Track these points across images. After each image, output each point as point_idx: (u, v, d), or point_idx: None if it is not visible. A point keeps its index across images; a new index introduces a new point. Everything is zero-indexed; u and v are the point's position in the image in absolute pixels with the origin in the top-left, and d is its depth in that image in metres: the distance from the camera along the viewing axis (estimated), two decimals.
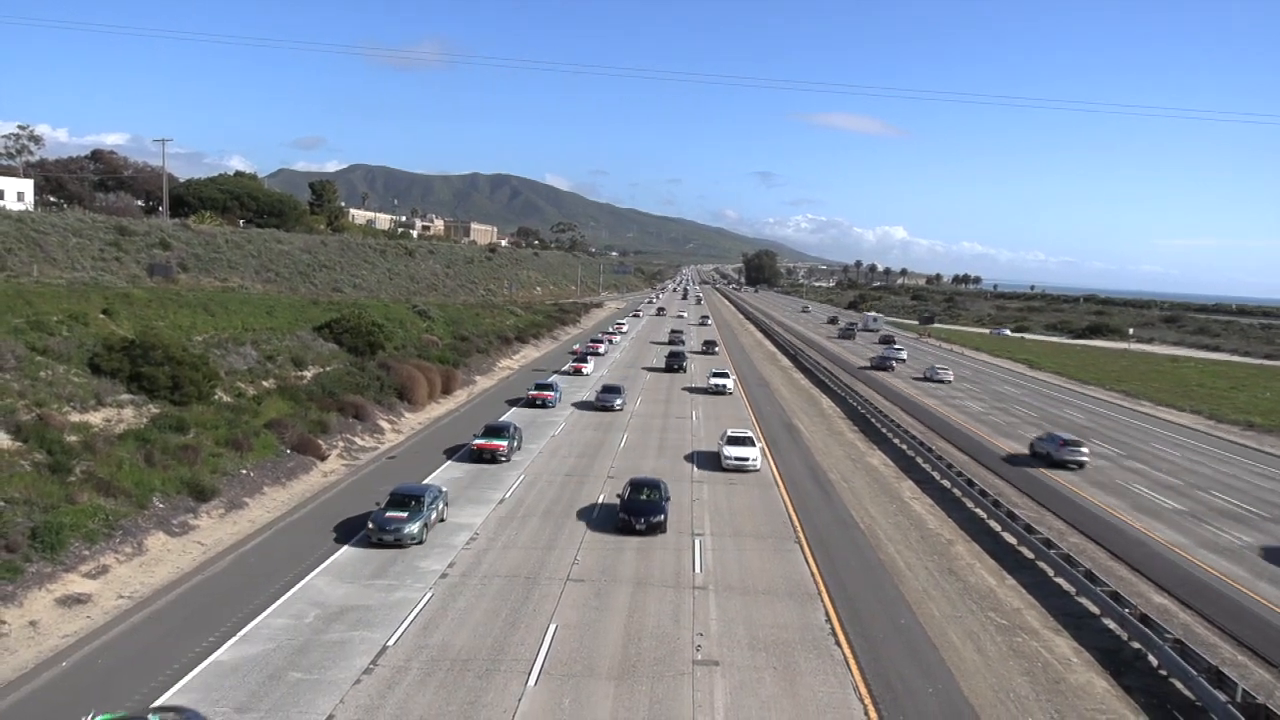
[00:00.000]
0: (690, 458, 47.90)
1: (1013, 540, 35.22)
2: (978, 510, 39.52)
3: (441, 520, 33.76)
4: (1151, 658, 24.51)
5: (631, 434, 53.50)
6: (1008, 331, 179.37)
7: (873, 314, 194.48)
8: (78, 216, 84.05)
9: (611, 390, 62.59)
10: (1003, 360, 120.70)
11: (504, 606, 26.35)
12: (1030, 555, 33.44)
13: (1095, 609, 28.10)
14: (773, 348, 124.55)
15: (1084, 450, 51.50)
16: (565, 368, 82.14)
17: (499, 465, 43.74)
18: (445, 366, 66.14)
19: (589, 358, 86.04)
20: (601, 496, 38.64)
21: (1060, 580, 30.73)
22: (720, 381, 73.01)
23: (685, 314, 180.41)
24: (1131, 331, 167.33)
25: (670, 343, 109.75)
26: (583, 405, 62.54)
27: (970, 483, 41.97)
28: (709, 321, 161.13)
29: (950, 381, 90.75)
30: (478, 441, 44.66)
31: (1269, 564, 34.52)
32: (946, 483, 44.44)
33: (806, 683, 22.32)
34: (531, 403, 61.96)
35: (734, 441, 46.67)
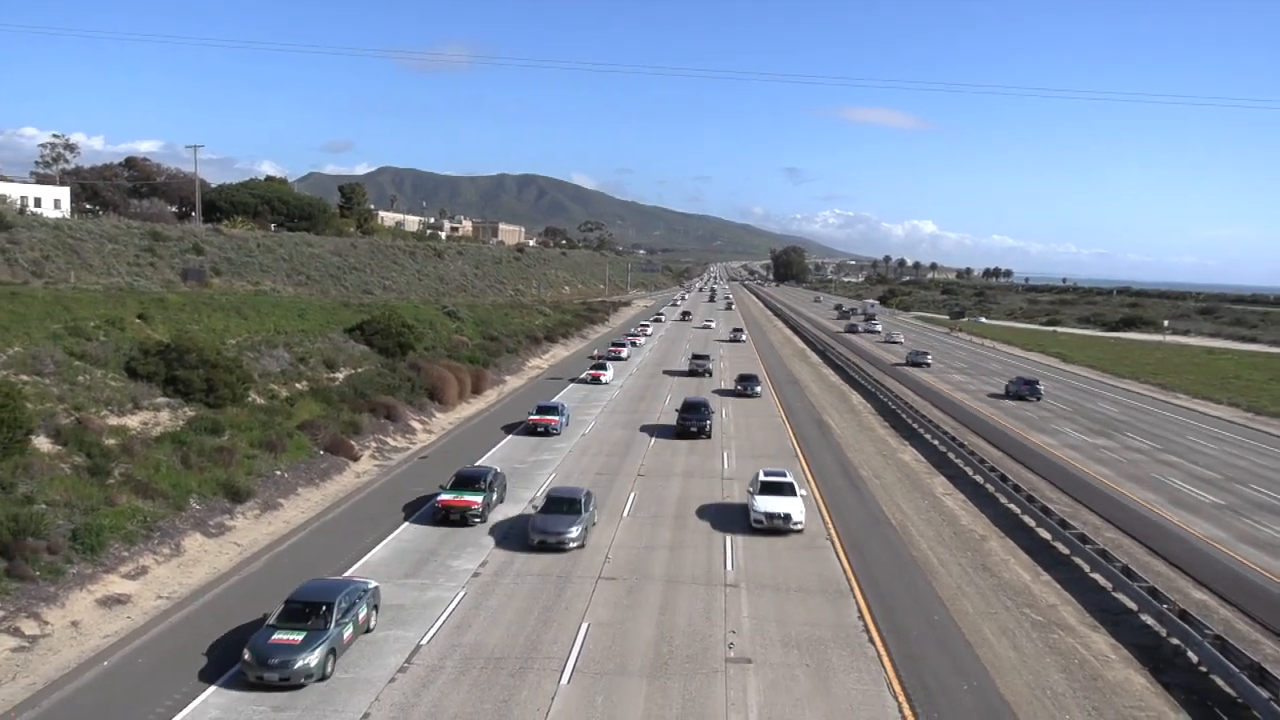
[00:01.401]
0: None
1: (1047, 536, 34.86)
2: (1011, 506, 39.14)
3: (367, 630, 24.02)
4: (1191, 654, 24.16)
5: None
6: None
7: (871, 300, 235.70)
8: (113, 223, 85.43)
9: (563, 504, 32.44)
10: (1035, 354, 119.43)
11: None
12: (1065, 551, 33.08)
13: (1133, 605, 27.72)
14: (795, 335, 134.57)
15: (928, 357, 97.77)
16: (583, 375, 75.01)
17: (470, 529, 33.44)
18: (475, 366, 66.50)
19: (609, 364, 78.60)
20: None
21: (1096, 576, 30.36)
22: (780, 508, 33.75)
23: (713, 322, 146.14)
24: (1166, 323, 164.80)
25: (691, 371, 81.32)
26: (511, 534, 32.97)
27: (1004, 478, 41.59)
28: (743, 336, 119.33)
29: (902, 341, 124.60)
30: (443, 498, 34.11)
31: None
32: (979, 478, 44.07)
33: (840, 680, 22.22)
34: (532, 430, 51.03)
35: None
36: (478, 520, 33.89)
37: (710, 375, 80.00)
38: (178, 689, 20.63)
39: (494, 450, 47.25)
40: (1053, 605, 28.16)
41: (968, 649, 24.56)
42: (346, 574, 28.29)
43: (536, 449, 48.12)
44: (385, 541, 31.77)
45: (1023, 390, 74.48)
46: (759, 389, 69.68)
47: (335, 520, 34.15)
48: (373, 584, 25.06)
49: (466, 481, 35.23)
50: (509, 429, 52.66)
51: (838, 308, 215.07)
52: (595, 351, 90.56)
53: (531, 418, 51.94)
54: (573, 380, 73.78)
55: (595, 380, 72.81)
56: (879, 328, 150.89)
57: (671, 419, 55.42)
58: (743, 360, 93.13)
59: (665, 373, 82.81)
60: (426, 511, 35.05)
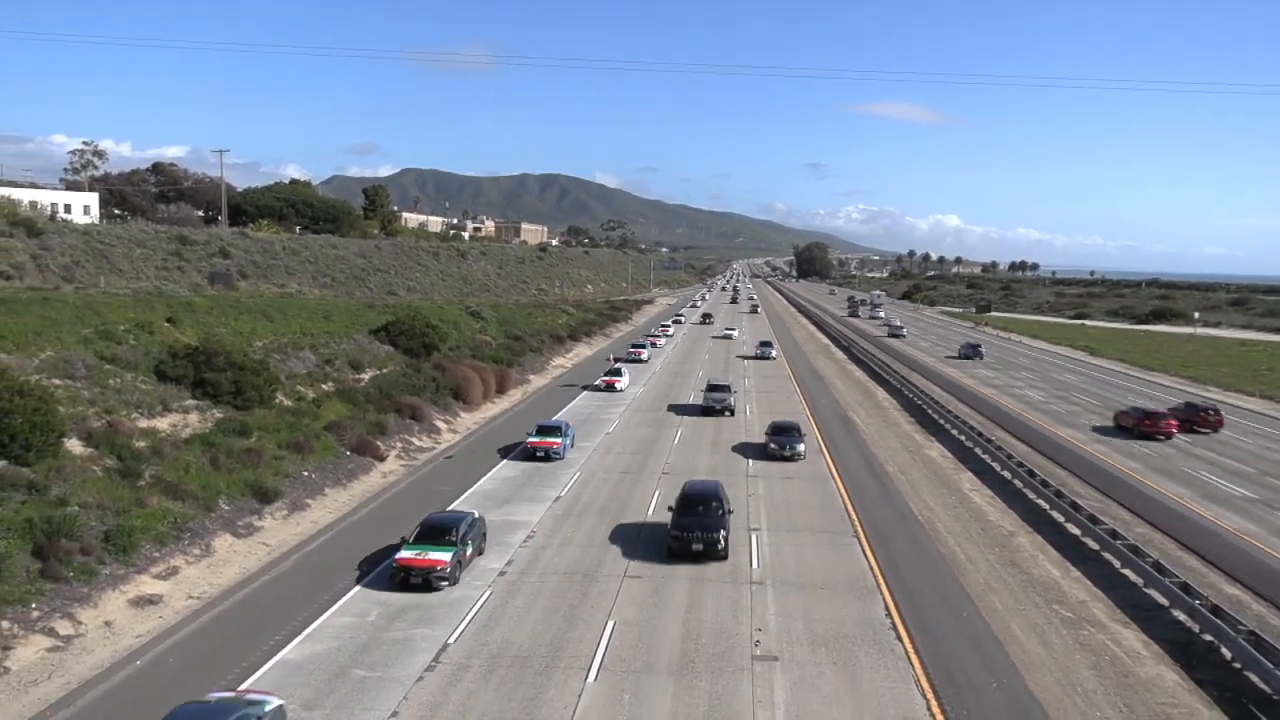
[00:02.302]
0: None
1: (1076, 531, 34.53)
2: (1039, 501, 38.81)
3: None
4: (1225, 650, 23.86)
5: None
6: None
7: (878, 292, 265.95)
8: (141, 228, 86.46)
9: None
10: (1062, 348, 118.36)
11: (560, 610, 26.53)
12: (1095, 547, 32.74)
13: (1164, 601, 27.42)
14: (815, 329, 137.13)
15: (904, 330, 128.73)
16: (597, 381, 68.75)
17: (434, 595, 26.84)
18: (499, 366, 66.74)
19: (624, 370, 70.88)
20: None
21: (1127, 572, 30.03)
22: None
23: (734, 330, 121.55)
24: (1197, 315, 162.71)
25: (705, 408, 58.81)
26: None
27: (1032, 473, 41.25)
28: (773, 352, 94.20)
29: (897, 323, 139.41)
30: (403, 555, 27.46)
31: None
32: (1007, 474, 43.73)
33: (867, 677, 22.13)
34: (531, 454, 44.35)
35: None
36: (445, 584, 27.14)
37: (731, 413, 58.51)
38: (210, 687, 20.84)
39: (475, 488, 38.52)
40: (1083, 601, 27.90)
41: (997, 646, 24.38)
42: (378, 569, 28.52)
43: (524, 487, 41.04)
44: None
45: (969, 352, 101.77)
46: (802, 446, 46.70)
47: (362, 520, 34.39)
48: (274, 702, 18.34)
49: (434, 532, 28.46)
50: (505, 451, 46.03)
51: (850, 299, 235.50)
52: (610, 356, 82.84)
53: (530, 440, 45.01)
54: (586, 388, 68.41)
55: (610, 388, 67.15)
56: (882, 314, 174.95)
57: (661, 518, 33.53)
58: (775, 389, 72.13)
59: (671, 409, 60.66)
60: (383, 571, 28.54)
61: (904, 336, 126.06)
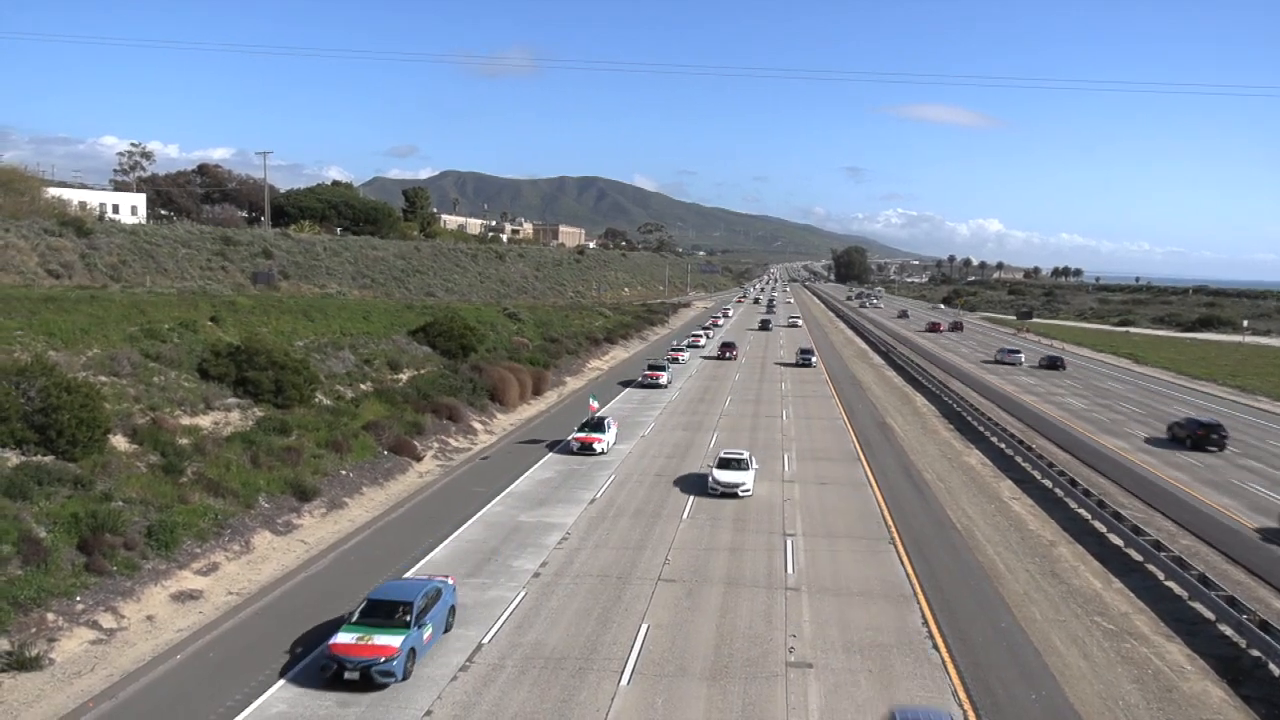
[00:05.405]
0: None
1: (1119, 542, 33.90)
2: (1081, 511, 38.16)
3: None
4: (1273, 666, 23.28)
5: None
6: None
7: (879, 288, 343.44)
8: (186, 228, 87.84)
9: None
10: (1106, 355, 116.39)
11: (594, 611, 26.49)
12: (1138, 558, 32.12)
13: (1210, 614, 26.83)
14: (844, 325, 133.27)
15: (875, 302, 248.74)
16: (569, 439, 47.48)
17: None
18: (535, 368, 66.94)
19: (609, 424, 48.38)
20: None
21: (1171, 584, 29.43)
22: None
23: (749, 481, 38.76)
24: (1246, 323, 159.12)
25: None
26: None
27: (1073, 482, 40.58)
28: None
29: (881, 306, 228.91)
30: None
31: None
32: (1048, 482, 43.06)
33: (903, 686, 21.87)
34: (334, 672, 20.98)
35: None
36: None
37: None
38: (248, 682, 21.12)
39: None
40: (1125, 613, 27.38)
41: (1036, 657, 23.99)
42: (413, 569, 28.68)
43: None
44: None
45: (894, 310, 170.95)
46: None
47: (399, 519, 34.65)
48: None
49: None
50: (292, 657, 22.59)
51: (859, 293, 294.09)
52: (591, 399, 51.98)
53: (333, 643, 21.55)
54: (552, 448, 47.53)
55: (585, 448, 46.16)
56: (878, 304, 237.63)
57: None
58: None
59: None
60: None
61: (868, 308, 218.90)
